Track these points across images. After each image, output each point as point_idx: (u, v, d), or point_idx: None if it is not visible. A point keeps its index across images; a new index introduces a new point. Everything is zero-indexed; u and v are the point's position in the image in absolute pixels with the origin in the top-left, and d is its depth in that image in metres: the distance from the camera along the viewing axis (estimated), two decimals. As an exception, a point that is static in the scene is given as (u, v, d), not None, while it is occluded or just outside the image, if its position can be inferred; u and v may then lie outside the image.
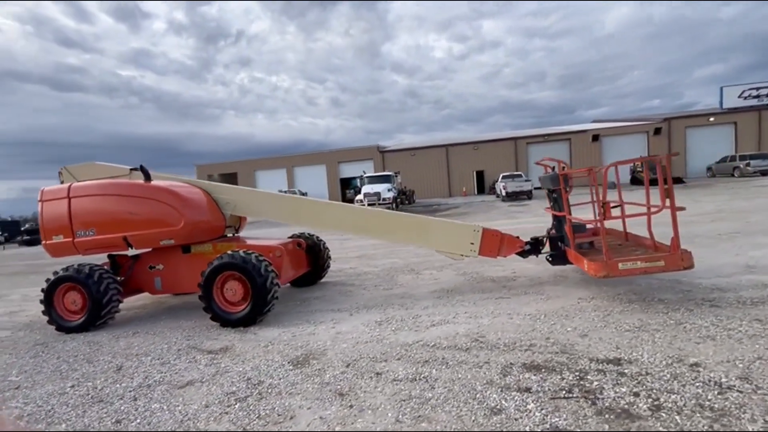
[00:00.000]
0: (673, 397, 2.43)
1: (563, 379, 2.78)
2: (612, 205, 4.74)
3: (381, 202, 21.78)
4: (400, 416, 2.52)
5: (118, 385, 3.45)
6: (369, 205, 21.91)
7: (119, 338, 4.86)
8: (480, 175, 32.66)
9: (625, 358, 3.01)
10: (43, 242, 5.67)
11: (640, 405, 2.38)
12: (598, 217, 4.17)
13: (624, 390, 2.56)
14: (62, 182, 6.41)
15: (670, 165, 3.86)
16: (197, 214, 5.59)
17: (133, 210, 5.44)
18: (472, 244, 5.33)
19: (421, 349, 3.60)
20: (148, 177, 5.74)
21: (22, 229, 27.84)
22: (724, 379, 2.57)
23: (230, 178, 38.80)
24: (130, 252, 5.91)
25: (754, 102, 29.00)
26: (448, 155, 32.69)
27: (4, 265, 15.63)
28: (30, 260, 16.30)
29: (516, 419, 2.37)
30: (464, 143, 33.25)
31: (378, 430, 2.41)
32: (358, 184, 24.45)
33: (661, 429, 2.16)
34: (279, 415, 2.68)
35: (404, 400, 2.70)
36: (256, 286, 4.72)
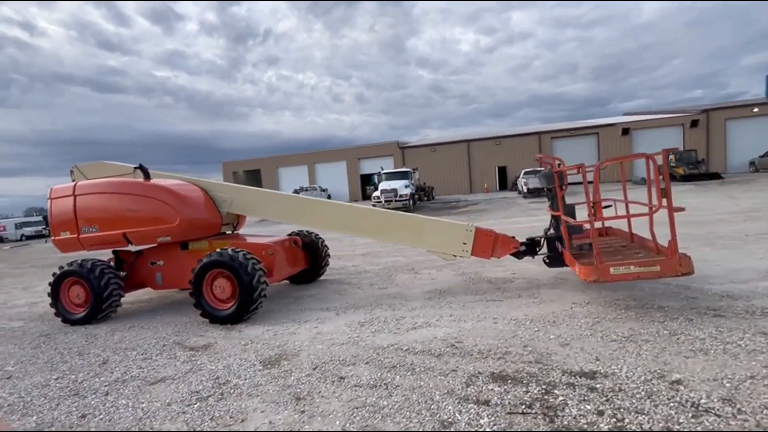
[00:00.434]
0: (640, 418, 2.22)
1: (528, 392, 2.61)
2: (603, 204, 4.44)
3: (398, 198, 21.62)
4: (348, 425, 2.44)
5: (97, 379, 3.55)
6: (386, 201, 21.82)
7: (116, 332, 5.02)
8: (502, 171, 31.79)
9: (602, 371, 2.80)
10: (53, 238, 5.95)
11: (601, 426, 2.19)
12: (588, 218, 3.90)
13: (589, 407, 2.37)
14: (74, 180, 6.69)
15: (668, 163, 3.55)
16: (193, 212, 5.68)
17: (131, 208, 5.60)
18: (465, 244, 5.15)
19: (394, 353, 3.50)
20: (147, 175, 5.89)
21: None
22: (703, 400, 2.33)
23: (254, 175, 39.71)
24: (133, 248, 6.11)
25: (806, 91, 26.61)
26: (470, 150, 32.01)
27: (41, 258, 16.66)
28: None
29: (466, 434, 2.23)
30: (486, 138, 32.42)
31: (322, 438, 2.34)
32: (376, 181, 24.39)
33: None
34: (231, 418, 2.66)
35: (357, 408, 2.62)
36: (242, 284, 4.75)
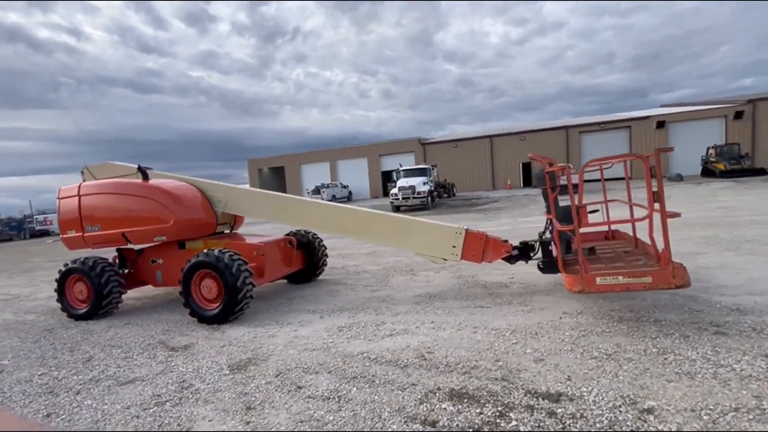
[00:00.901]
0: (592, 451, 2.01)
1: (481, 413, 2.43)
2: (589, 209, 4.12)
3: (415, 195, 21.37)
4: (286, 440, 2.36)
5: (75, 377, 3.65)
6: (403, 198, 21.61)
7: (111, 328, 5.19)
8: (526, 168, 30.74)
9: (569, 393, 2.57)
10: (61, 236, 6.22)
11: (547, 458, 1.99)
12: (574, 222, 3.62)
13: (541, 435, 2.17)
14: (84, 180, 6.96)
15: (660, 163, 3.22)
16: (187, 212, 5.77)
17: (129, 208, 5.76)
18: (454, 247, 4.95)
19: (361, 361, 3.38)
20: (145, 176, 6.03)
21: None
22: (672, 434, 2.08)
23: (278, 172, 40.49)
24: (136, 246, 6.29)
25: None
26: (493, 146, 31.16)
27: (77, 253, 17.61)
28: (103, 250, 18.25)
29: (401, 458, 2.10)
30: (510, 133, 31.42)
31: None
32: (394, 178, 24.22)
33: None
34: (178, 425, 2.65)
35: (302, 422, 2.53)
36: (227, 285, 4.77)
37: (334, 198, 31.75)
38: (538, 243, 4.85)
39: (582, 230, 5.54)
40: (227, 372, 3.44)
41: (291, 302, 5.68)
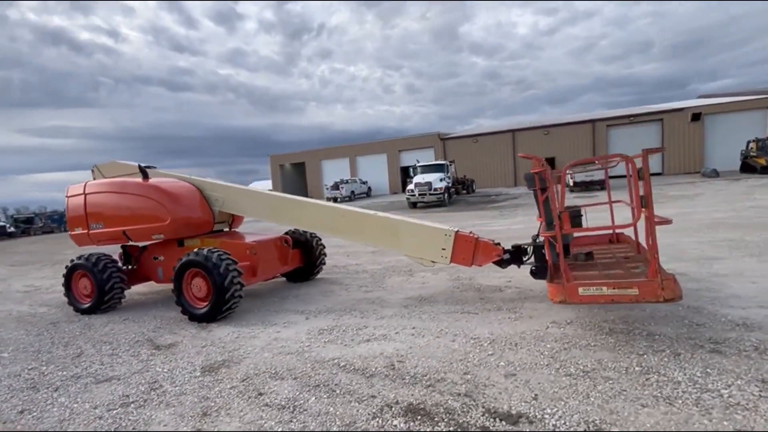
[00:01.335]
0: (536, 484, 1.84)
1: (431, 433, 2.30)
2: (575, 213, 3.86)
3: (432, 192, 21.09)
4: (229, 452, 2.31)
5: (59, 373, 3.77)
6: (420, 195, 21.37)
7: (109, 323, 5.35)
8: (550, 163, 29.57)
9: (530, 414, 2.40)
10: (69, 233, 6.47)
11: (484, 489, 1.85)
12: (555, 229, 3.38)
13: (486, 462, 2.02)
14: (94, 178, 7.22)
15: (648, 164, 2.94)
16: (184, 211, 5.86)
17: (129, 206, 5.91)
18: (444, 249, 4.78)
19: (330, 368, 3.31)
20: (145, 175, 6.17)
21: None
22: (629, 469, 1.88)
23: (300, 168, 40.98)
24: (140, 243, 6.47)
25: None
26: (515, 141, 30.23)
27: (108, 249, 18.49)
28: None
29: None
30: (533, 128, 30.36)
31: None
32: (411, 174, 23.99)
33: None
34: (133, 429, 2.66)
35: (251, 432, 2.49)
36: (215, 285, 4.81)
37: (353, 194, 31.82)
38: (530, 247, 4.61)
39: (584, 234, 5.27)
40: (198, 374, 3.45)
41: (283, 302, 5.68)
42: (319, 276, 7.05)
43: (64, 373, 3.77)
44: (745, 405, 2.30)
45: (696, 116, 25.40)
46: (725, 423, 2.16)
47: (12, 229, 32.84)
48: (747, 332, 3.25)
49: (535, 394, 2.62)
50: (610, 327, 3.61)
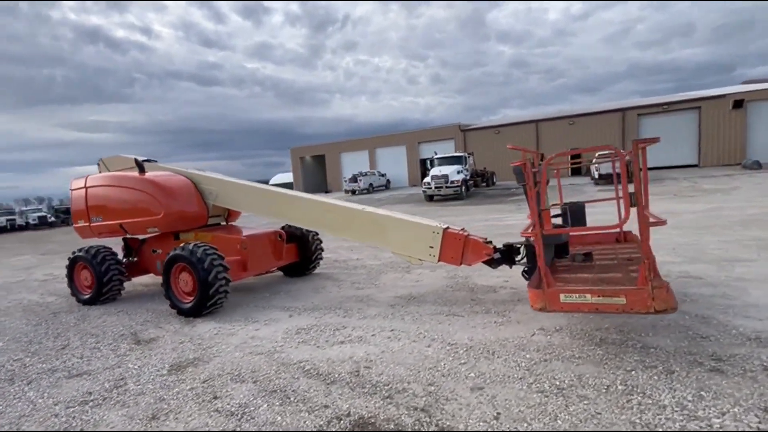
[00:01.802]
0: None
1: (372, 452, 2.11)
2: (554, 213, 3.51)
3: (449, 185, 20.63)
4: (161, 461, 2.21)
5: (39, 365, 3.82)
6: (436, 188, 20.96)
7: (104, 315, 5.44)
8: (576, 155, 28.40)
9: (486, 437, 2.16)
10: (74, 226, 6.64)
11: None
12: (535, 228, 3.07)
13: (420, 492, 1.81)
14: (100, 171, 7.36)
15: (639, 158, 2.59)
16: (177, 204, 5.85)
17: (125, 200, 5.97)
18: (431, 248, 4.52)
19: (294, 372, 3.17)
20: (141, 169, 6.20)
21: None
22: None
23: (320, 160, 41.18)
24: (140, 236, 6.56)
25: None
26: (539, 132, 29.04)
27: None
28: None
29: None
30: (558, 118, 29.02)
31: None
32: (428, 166, 23.56)
33: None
34: (81, 430, 2.61)
35: (190, 440, 2.37)
36: (200, 280, 4.76)
37: (371, 186, 31.66)
38: (523, 246, 4.29)
39: (588, 232, 4.87)
40: (165, 373, 3.39)
41: (273, 297, 5.60)
42: (316, 271, 6.95)
43: (44, 365, 3.82)
44: (736, 439, 1.98)
45: (738, 103, 23.50)
46: (708, 460, 1.85)
47: (52, 219, 34.73)
48: (758, 348, 2.86)
49: (498, 413, 2.37)
50: (602, 336, 3.28)
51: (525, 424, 2.24)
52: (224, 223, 6.73)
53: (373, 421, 2.41)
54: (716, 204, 10.64)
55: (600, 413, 2.28)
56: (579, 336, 3.34)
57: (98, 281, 5.93)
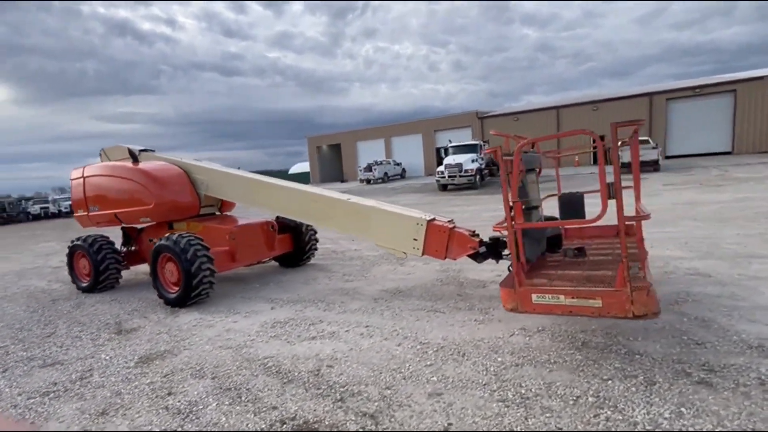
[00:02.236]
0: None
1: (304, 463, 1.97)
2: (533, 204, 3.22)
3: (462, 174, 20.13)
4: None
5: (20, 353, 3.88)
6: (449, 177, 20.51)
7: (99, 303, 5.53)
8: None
9: (429, 450, 1.98)
10: (74, 215, 6.77)
11: None
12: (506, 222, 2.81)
13: None
14: (102, 161, 7.46)
15: (616, 141, 2.29)
16: (168, 194, 5.83)
17: (119, 189, 6.00)
18: (415, 240, 4.30)
19: (255, 369, 3.07)
20: (135, 159, 6.22)
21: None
22: None
23: (336, 149, 41.12)
24: (137, 225, 6.61)
25: None
26: (560, 119, 27.85)
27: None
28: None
29: None
30: (580, 103, 27.65)
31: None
32: (443, 155, 23.07)
33: None
34: (32, 423, 2.59)
35: (129, 440, 2.30)
36: (184, 270, 4.74)
37: (386, 176, 31.38)
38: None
39: (586, 225, 4.54)
40: (132, 365, 3.36)
41: (262, 288, 5.55)
42: (312, 261, 6.87)
43: (24, 353, 3.87)
44: (710, 467, 1.72)
45: (779, 85, 21.74)
46: (671, 492, 1.61)
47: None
48: (759, 358, 2.54)
49: (449, 423, 2.18)
50: (585, 339, 3.02)
51: (475, 438, 2.05)
52: (218, 213, 6.71)
53: (316, 426, 2.27)
54: (745, 194, 9.89)
55: (560, 428, 2.06)
56: (561, 338, 3.09)
57: (95, 270, 6.03)
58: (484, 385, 2.53)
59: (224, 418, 2.43)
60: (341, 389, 2.64)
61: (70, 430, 2.43)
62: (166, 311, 4.82)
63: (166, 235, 5.05)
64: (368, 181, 30.57)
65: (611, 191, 2.39)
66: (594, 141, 2.53)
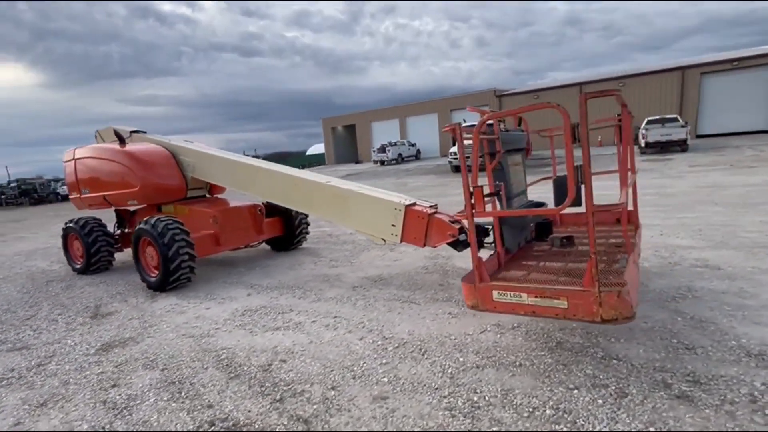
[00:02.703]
0: None
1: (217, 473, 1.80)
2: (490, 191, 2.89)
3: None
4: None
5: (-5, 336, 3.90)
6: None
7: (89, 285, 5.56)
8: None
9: (352, 465, 1.78)
10: (70, 197, 6.80)
11: None
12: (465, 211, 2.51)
13: None
14: (97, 143, 7.44)
15: (586, 117, 1.93)
16: (154, 177, 5.73)
17: (107, 172, 5.95)
18: (394, 226, 4.04)
19: (207, 361, 2.94)
20: (122, 141, 6.12)
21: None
22: None
23: (351, 130, 40.65)
24: (131, 208, 6.59)
25: None
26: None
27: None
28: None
29: None
30: (605, 79, 26.00)
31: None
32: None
33: None
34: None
35: (56, 436, 2.21)
36: (161, 254, 4.66)
37: (400, 157, 30.81)
38: (491, 227, 3.69)
39: (515, 218, 4.16)
40: (93, 352, 3.30)
41: (247, 273, 5.44)
42: (304, 245, 6.73)
43: (-1, 336, 3.90)
44: (668, 505, 1.45)
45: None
46: None
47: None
48: (756, 369, 2.20)
49: (385, 434, 1.97)
50: (561, 339, 2.73)
51: (408, 453, 1.83)
52: (208, 195, 6.60)
53: (244, 430, 2.10)
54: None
55: (505, 446, 1.82)
56: (535, 336, 2.81)
57: (87, 252, 6.07)
58: (436, 389, 2.30)
59: (156, 416, 2.30)
60: (285, 388, 2.47)
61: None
62: (146, 295, 4.78)
63: (145, 218, 4.96)
64: (382, 163, 30.13)
65: (580, 176, 2.05)
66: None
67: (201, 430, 2.14)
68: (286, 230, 6.42)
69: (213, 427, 2.15)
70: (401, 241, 4.00)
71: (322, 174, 5.21)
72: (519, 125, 4.15)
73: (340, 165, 37.19)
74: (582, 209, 2.19)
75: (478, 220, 3.80)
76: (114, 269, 6.35)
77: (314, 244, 6.85)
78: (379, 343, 2.96)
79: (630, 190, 3.81)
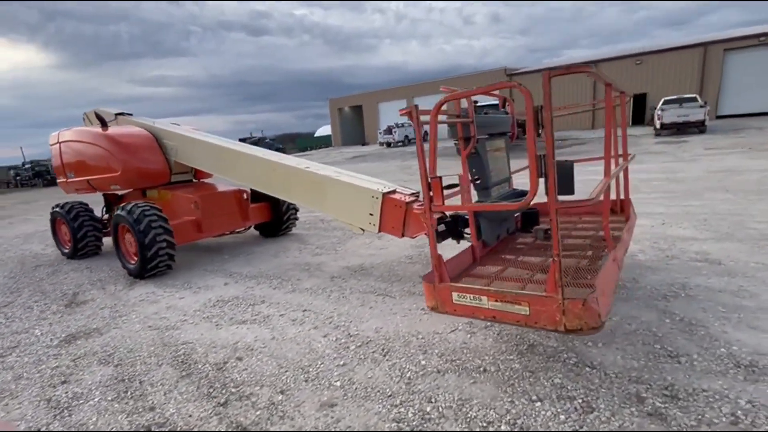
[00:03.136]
0: None
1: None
2: (449, 183, 2.64)
3: (482, 136, 18.92)
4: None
5: (-31, 324, 3.87)
6: (468, 139, 19.36)
7: (74, 271, 5.52)
8: (640, 100, 24.48)
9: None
10: (57, 181, 6.73)
11: None
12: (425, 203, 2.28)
13: None
14: (85, 125, 7.31)
15: (550, 97, 1.67)
16: (135, 161, 5.59)
17: (90, 155, 5.82)
18: (371, 215, 3.83)
19: (164, 357, 2.82)
20: (104, 124, 5.96)
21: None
22: None
23: (358, 111, 40.00)
24: (119, 192, 6.50)
25: None
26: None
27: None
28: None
29: None
30: (621, 57, 24.79)
31: None
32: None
33: None
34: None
35: (-11, 437, 2.12)
36: (138, 241, 4.55)
37: (407, 138, 30.26)
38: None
39: (493, 209, 3.90)
40: (55, 344, 3.22)
41: (230, 260, 5.32)
42: (294, 231, 6.59)
43: (-28, 324, 3.86)
44: None
45: None
46: None
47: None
48: (744, 383, 1.97)
49: (323, 448, 1.82)
50: (535, 342, 2.53)
51: (342, 471, 1.68)
52: (195, 180, 6.45)
53: (179, 437, 1.98)
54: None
55: (449, 467, 1.65)
56: (507, 338, 2.61)
57: (74, 237, 6.02)
58: (389, 396, 2.14)
59: (95, 418, 2.19)
60: (233, 390, 2.34)
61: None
62: (126, 282, 4.71)
63: (122, 204, 4.84)
64: (388, 144, 29.65)
65: (542, 166, 1.80)
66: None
67: (135, 436, 2.03)
68: (273, 216, 6.26)
69: (148, 433, 2.04)
70: (379, 231, 3.80)
71: (330, 156, 4.99)
72: (504, 107, 3.84)
73: (347, 147, 36.77)
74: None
75: (458, 210, 3.57)
76: (103, 254, 6.31)
77: (304, 230, 6.71)
78: (343, 341, 2.80)
79: (622, 178, 3.52)
